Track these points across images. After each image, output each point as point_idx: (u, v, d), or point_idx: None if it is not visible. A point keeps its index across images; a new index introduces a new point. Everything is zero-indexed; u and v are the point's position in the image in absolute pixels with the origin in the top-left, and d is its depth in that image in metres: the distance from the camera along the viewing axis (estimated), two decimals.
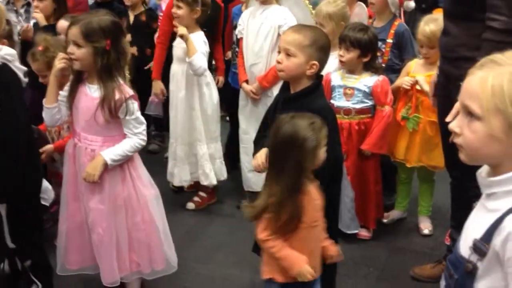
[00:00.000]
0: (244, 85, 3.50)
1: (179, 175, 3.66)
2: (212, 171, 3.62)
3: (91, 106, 2.34)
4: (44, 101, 2.47)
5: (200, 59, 3.36)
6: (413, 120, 3.10)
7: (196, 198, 3.77)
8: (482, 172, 1.25)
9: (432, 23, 3.00)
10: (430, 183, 3.34)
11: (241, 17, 3.60)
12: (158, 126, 4.74)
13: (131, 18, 4.40)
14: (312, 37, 2.28)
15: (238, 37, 3.57)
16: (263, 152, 2.30)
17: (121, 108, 2.34)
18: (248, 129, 3.54)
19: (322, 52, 2.30)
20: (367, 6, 3.71)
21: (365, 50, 3.04)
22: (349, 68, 3.10)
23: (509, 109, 1.11)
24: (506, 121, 1.12)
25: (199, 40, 3.43)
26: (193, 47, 3.32)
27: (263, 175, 2.23)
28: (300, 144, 1.95)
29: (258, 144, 2.41)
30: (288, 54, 2.26)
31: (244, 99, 3.58)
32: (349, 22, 3.38)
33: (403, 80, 3.15)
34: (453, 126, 1.22)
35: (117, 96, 2.32)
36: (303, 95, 2.30)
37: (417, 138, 3.14)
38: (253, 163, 2.31)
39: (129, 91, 2.37)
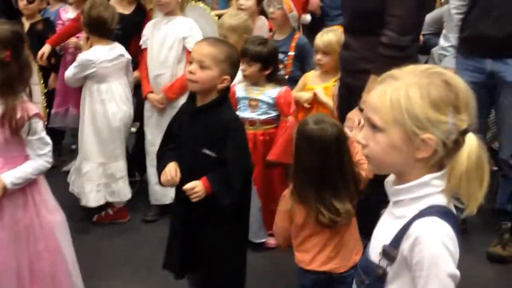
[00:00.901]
0: (150, 95, 3.46)
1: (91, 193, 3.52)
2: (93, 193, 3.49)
3: None
4: None
5: (69, 70, 3.39)
6: None
7: (102, 213, 3.65)
8: (389, 181, 1.31)
9: (331, 33, 3.16)
10: None
11: (145, 27, 3.56)
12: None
13: (26, 26, 4.19)
14: (226, 52, 2.30)
15: (142, 47, 3.53)
16: (173, 167, 2.29)
17: (23, 127, 2.19)
18: (154, 141, 3.47)
19: (234, 68, 2.34)
20: (267, 19, 3.80)
21: (266, 63, 3.09)
22: (252, 81, 3.15)
23: (407, 121, 1.18)
24: (405, 132, 1.18)
25: (84, 55, 3.41)
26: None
27: (171, 188, 2.22)
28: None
29: (162, 157, 2.38)
30: (202, 66, 2.27)
31: (149, 110, 3.54)
32: (251, 34, 3.45)
33: (302, 99, 3.21)
34: (359, 138, 1.28)
35: (19, 113, 2.17)
36: (212, 107, 2.31)
37: None
38: (163, 178, 2.28)
39: (33, 108, 2.23)
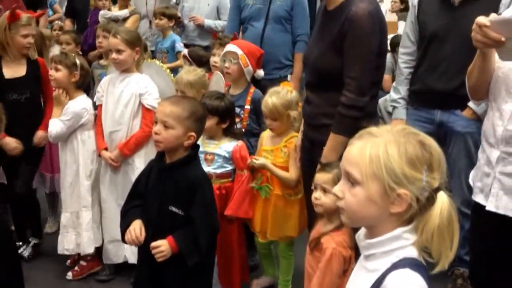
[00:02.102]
0: (103, 152, 3.40)
1: (61, 243, 3.47)
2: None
3: None
4: None
5: (53, 125, 3.34)
6: (265, 188, 3.11)
7: (76, 268, 3.54)
8: (360, 235, 1.34)
9: (275, 96, 3.06)
10: (288, 258, 3.28)
11: (100, 83, 3.55)
12: None
13: None
14: (190, 109, 2.33)
15: (97, 104, 3.50)
16: (137, 225, 2.25)
17: None
18: (107, 198, 3.44)
19: (199, 123, 2.37)
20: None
21: (223, 117, 3.12)
22: (209, 134, 3.16)
23: (385, 176, 1.23)
24: (382, 186, 1.23)
25: (75, 106, 3.41)
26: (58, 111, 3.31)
27: (124, 246, 2.17)
28: None
29: (127, 214, 2.34)
30: (166, 126, 2.27)
31: (104, 167, 3.47)
32: (208, 89, 3.49)
33: (256, 165, 3.12)
34: (335, 190, 1.32)
35: None
36: (180, 165, 2.31)
37: (269, 211, 3.13)
38: (127, 237, 2.25)
39: None
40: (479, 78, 2.10)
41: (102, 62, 4.38)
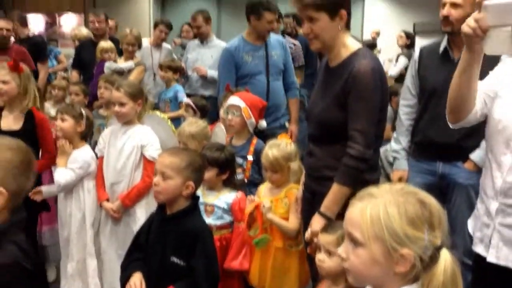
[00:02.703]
0: (105, 203, 3.40)
1: None
2: None
3: None
4: None
5: (62, 174, 3.34)
6: (264, 240, 3.04)
7: None
8: None
9: (275, 148, 3.06)
10: None
11: (101, 135, 3.58)
12: None
13: None
14: (188, 160, 2.36)
15: (99, 155, 3.53)
16: (137, 278, 2.23)
17: None
18: (107, 249, 3.42)
19: (197, 173, 2.40)
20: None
21: (223, 168, 3.13)
22: (209, 185, 3.16)
23: (387, 236, 1.24)
24: (385, 247, 1.24)
25: (84, 155, 3.43)
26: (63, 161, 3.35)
27: None
28: None
29: (128, 267, 2.33)
30: (165, 177, 2.30)
31: (104, 217, 3.47)
32: (210, 140, 3.52)
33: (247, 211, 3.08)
34: (340, 252, 1.34)
35: None
36: (181, 216, 2.31)
37: (268, 264, 3.07)
38: None
39: None
40: (460, 88, 2.05)
41: (102, 112, 4.43)
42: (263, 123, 3.77)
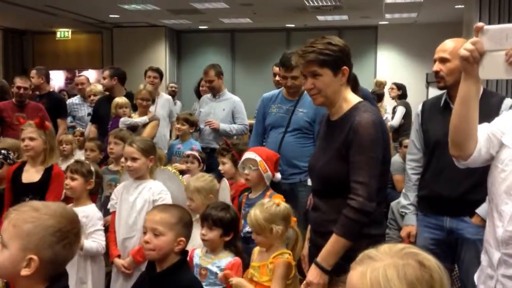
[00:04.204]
0: (116, 260, 3.43)
1: None
2: None
3: None
4: None
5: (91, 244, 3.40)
6: None
7: None
8: None
9: (258, 208, 2.91)
10: None
11: (114, 191, 3.65)
12: None
13: None
14: (178, 215, 2.40)
15: (111, 211, 3.58)
16: None
17: None
18: None
19: (187, 228, 2.43)
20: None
21: (227, 229, 3.02)
22: (210, 246, 3.04)
23: None
24: None
25: (94, 211, 3.50)
26: None
27: None
28: None
29: None
30: (156, 234, 2.32)
31: (116, 273, 3.49)
32: (216, 195, 3.56)
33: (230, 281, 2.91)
34: None
35: None
36: (170, 273, 2.33)
37: None
38: None
39: None
40: (460, 119, 2.08)
41: (111, 167, 4.51)
42: (278, 176, 3.81)
